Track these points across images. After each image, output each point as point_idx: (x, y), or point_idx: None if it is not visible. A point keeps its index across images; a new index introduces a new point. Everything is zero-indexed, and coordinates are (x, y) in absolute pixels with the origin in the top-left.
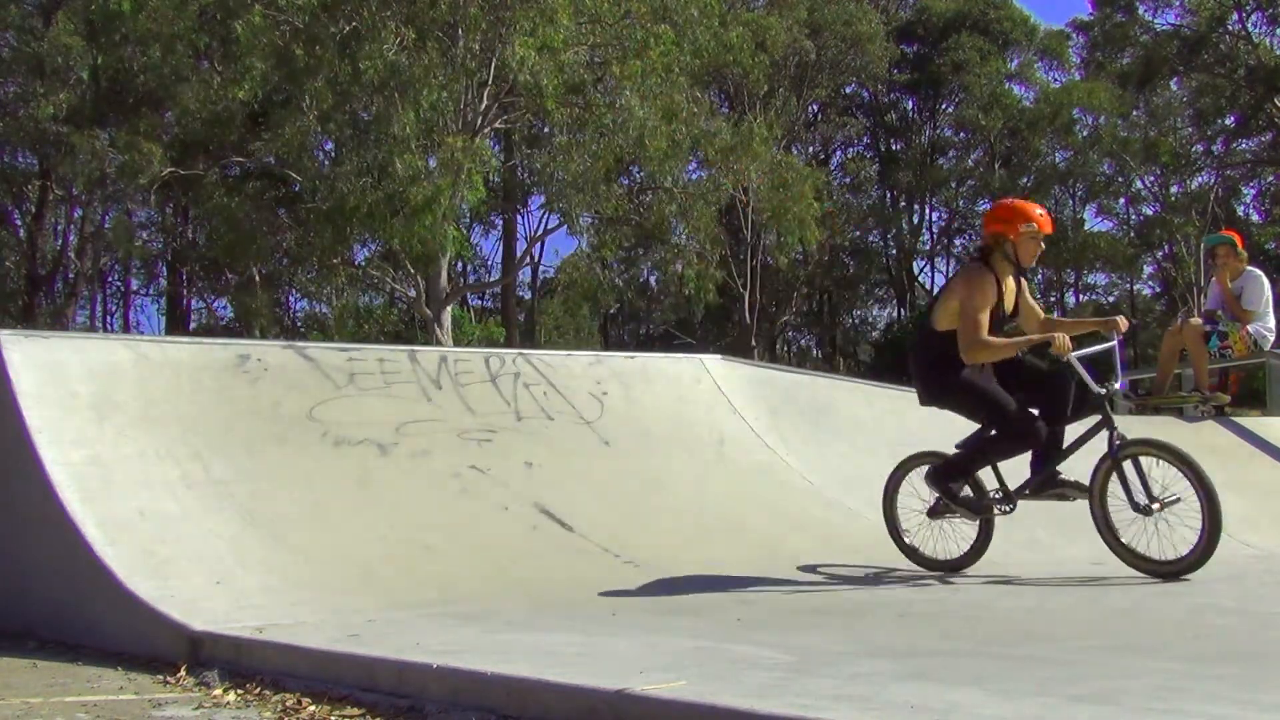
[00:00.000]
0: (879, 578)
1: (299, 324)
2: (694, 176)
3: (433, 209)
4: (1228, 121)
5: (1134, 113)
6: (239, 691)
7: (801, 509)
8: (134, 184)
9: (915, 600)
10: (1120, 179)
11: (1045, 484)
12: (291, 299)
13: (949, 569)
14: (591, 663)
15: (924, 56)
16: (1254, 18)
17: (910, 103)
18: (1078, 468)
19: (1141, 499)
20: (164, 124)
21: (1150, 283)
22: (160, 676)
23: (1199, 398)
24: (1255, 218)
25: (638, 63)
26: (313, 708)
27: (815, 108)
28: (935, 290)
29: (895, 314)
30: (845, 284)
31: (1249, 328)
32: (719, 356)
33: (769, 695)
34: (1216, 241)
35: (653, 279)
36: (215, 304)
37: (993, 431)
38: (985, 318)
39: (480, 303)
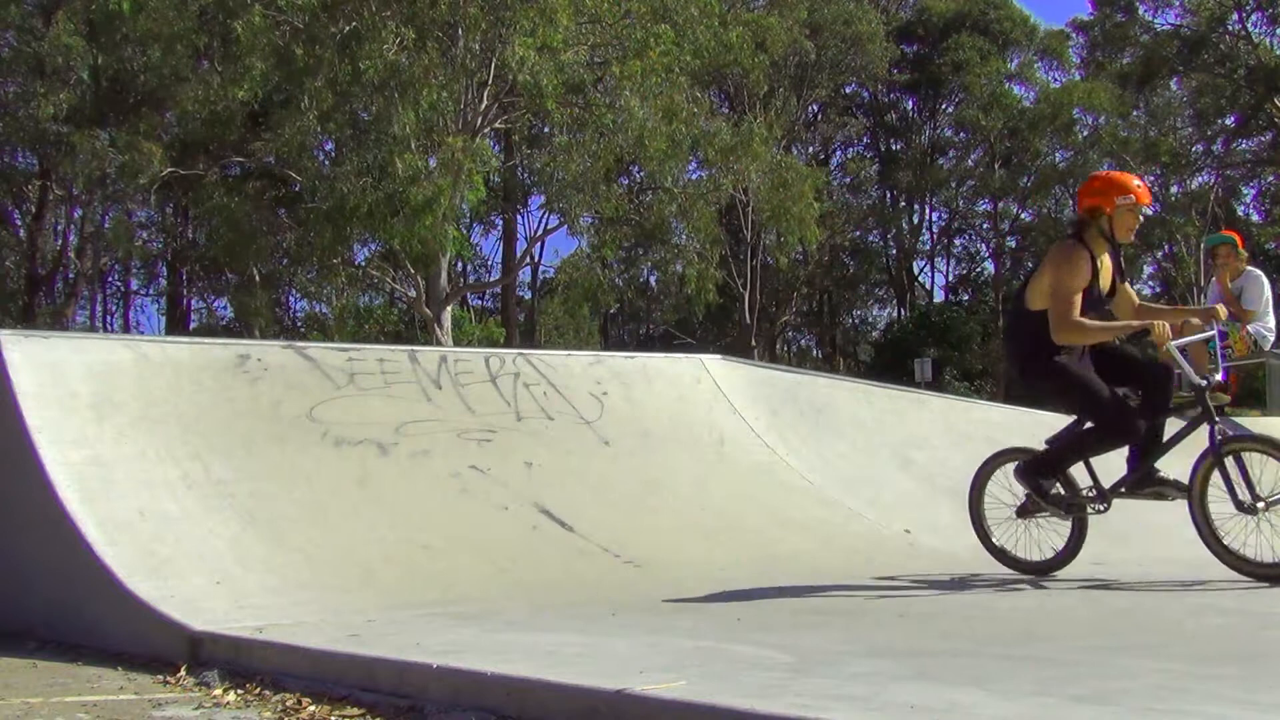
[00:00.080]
0: (879, 578)
1: (299, 324)
2: (694, 176)
3: (433, 209)
4: (1228, 121)
5: (1134, 113)
6: (239, 691)
7: (801, 509)
8: (134, 184)
9: (915, 600)
10: None
11: (1142, 481)
12: (291, 299)
13: (1040, 571)
14: (591, 663)
15: (924, 56)
16: (1254, 18)
17: (910, 103)
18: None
19: (1245, 497)
20: (164, 124)
21: (1150, 283)
22: (160, 676)
23: None
24: (1255, 218)
25: (638, 63)
26: (313, 708)
27: (815, 108)
28: (935, 290)
29: (895, 314)
30: (845, 284)
31: (1249, 328)
32: (719, 356)
33: (769, 695)
34: (1217, 242)
35: (653, 279)
36: (215, 304)
37: (1087, 423)
38: (1078, 297)
39: (480, 303)
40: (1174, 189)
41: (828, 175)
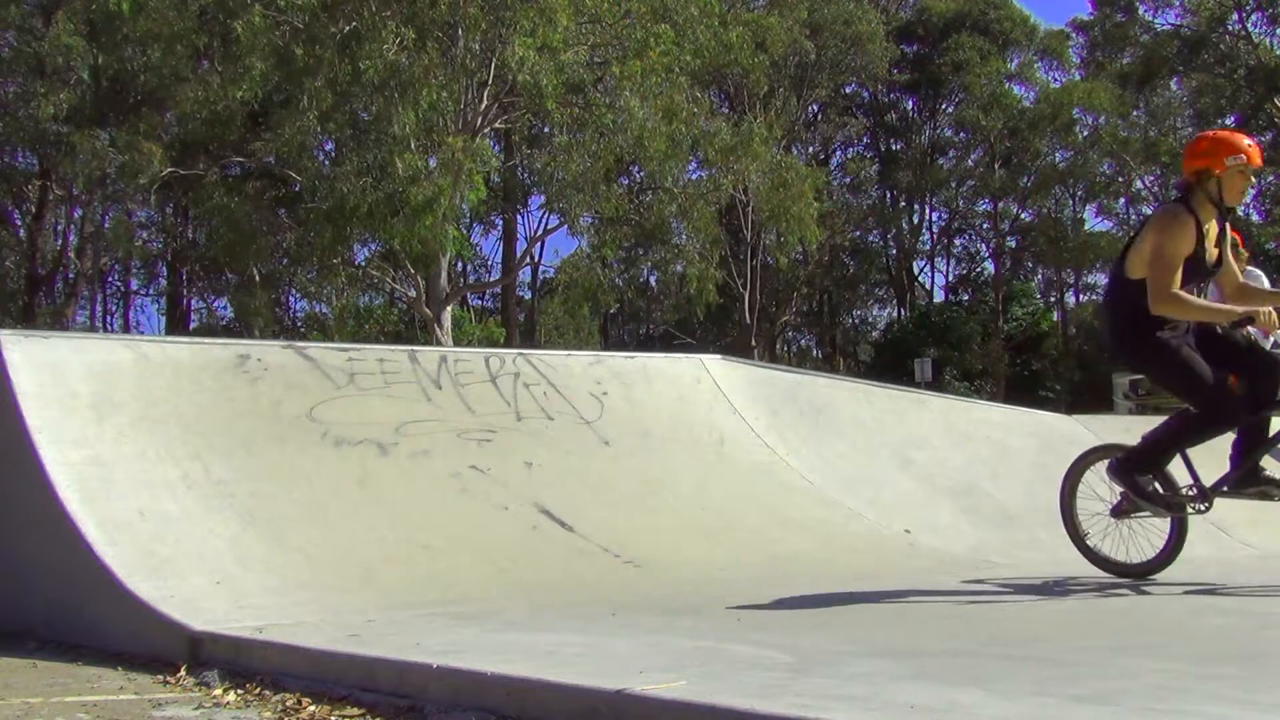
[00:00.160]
0: (880, 578)
1: (299, 324)
2: (694, 176)
3: (433, 209)
4: (1228, 121)
5: (1134, 113)
6: (239, 691)
7: (801, 509)
8: (134, 184)
9: (915, 600)
10: (1120, 179)
11: (1246, 479)
12: (291, 299)
13: (1139, 574)
14: (591, 663)
15: (924, 56)
16: (1254, 18)
17: (910, 103)
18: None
19: None
20: (164, 124)
21: None
22: (160, 676)
23: None
24: (1255, 218)
25: (638, 63)
26: (313, 708)
27: (815, 108)
28: (935, 290)
29: (895, 314)
30: (845, 284)
31: (1249, 328)
32: (719, 356)
33: (769, 695)
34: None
35: (653, 279)
36: (215, 304)
37: (1187, 410)
38: (1179, 267)
39: (480, 303)
40: (1174, 189)
41: (828, 175)
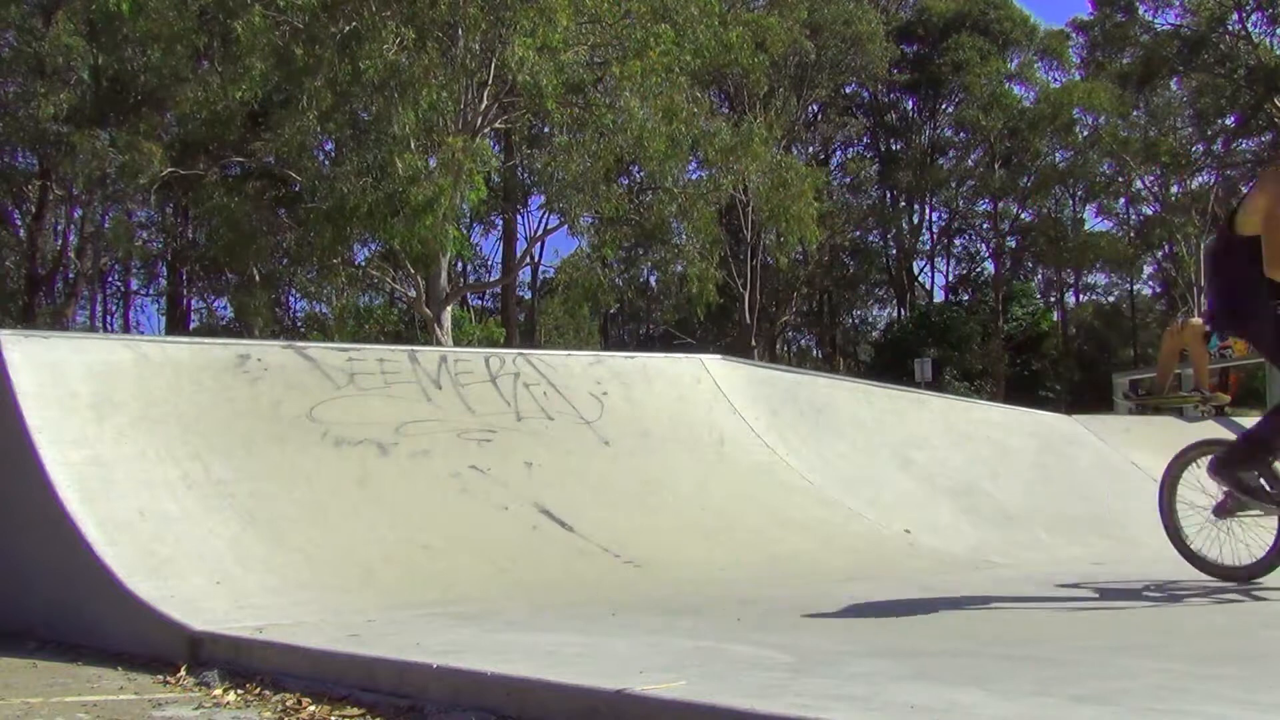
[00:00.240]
0: (879, 578)
1: (299, 324)
2: (694, 176)
3: (433, 209)
4: (1228, 121)
5: (1134, 113)
6: (239, 691)
7: (801, 509)
8: (134, 184)
9: (915, 600)
10: (1120, 179)
11: None
12: (291, 299)
13: (1244, 577)
14: (591, 663)
15: (924, 56)
16: (1254, 18)
17: (910, 103)
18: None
19: None
20: (164, 124)
21: (1150, 283)
22: (160, 676)
23: (1199, 397)
24: None
25: (638, 63)
26: (313, 708)
27: (815, 108)
28: (935, 290)
29: (895, 314)
30: (845, 284)
31: None
32: (719, 356)
33: (769, 695)
34: None
35: (653, 279)
36: (215, 304)
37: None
38: None
39: (480, 303)
40: (1174, 189)
41: (828, 175)
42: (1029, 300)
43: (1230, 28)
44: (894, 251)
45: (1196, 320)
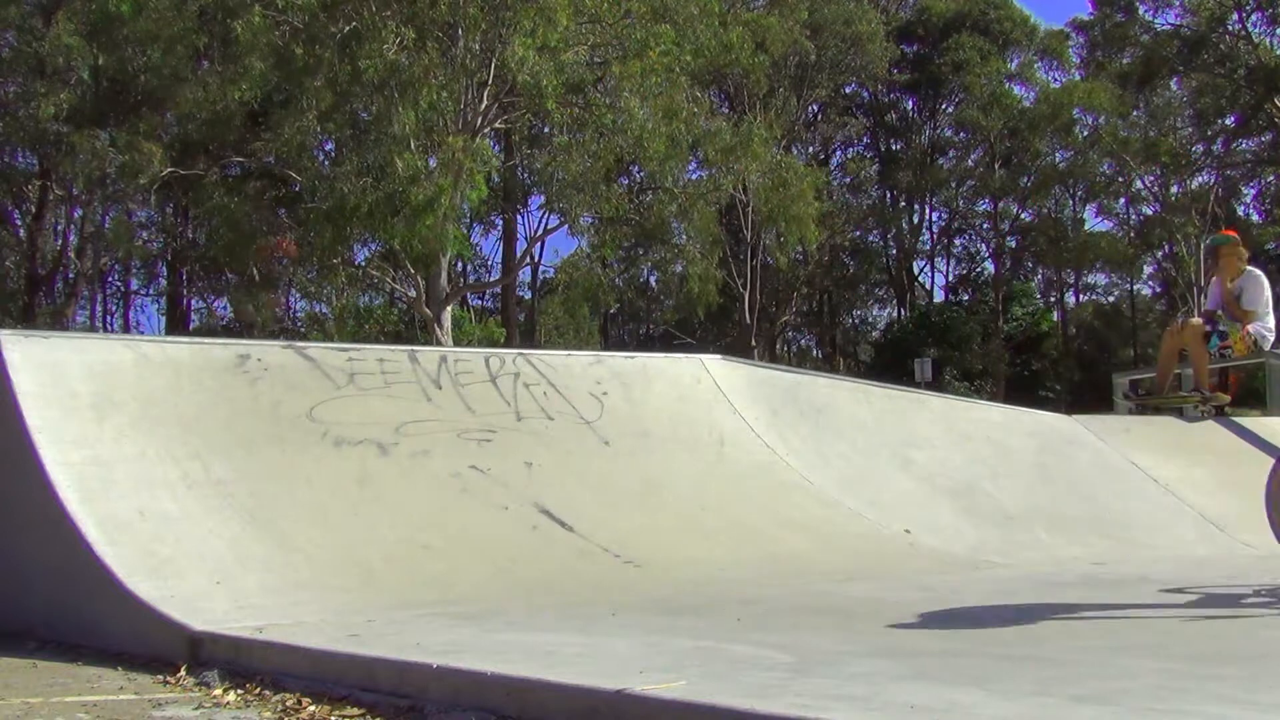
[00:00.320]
0: (879, 578)
1: (299, 324)
2: (694, 176)
3: (433, 209)
4: (1228, 121)
5: (1134, 113)
6: (239, 691)
7: (801, 509)
8: (134, 184)
9: (915, 600)
10: (1120, 179)
11: None
12: (291, 299)
13: None
14: (591, 663)
15: (924, 56)
16: (1254, 18)
17: (910, 103)
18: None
19: None
20: (164, 124)
21: (1150, 283)
22: (160, 676)
23: (1199, 398)
24: (1255, 218)
25: (638, 63)
26: (313, 708)
27: (815, 108)
28: (935, 290)
29: (895, 314)
30: (845, 284)
31: (1249, 328)
32: (719, 356)
33: (769, 695)
34: (1221, 242)
35: (653, 279)
36: (215, 304)
37: None
38: None
39: (480, 303)
40: (1174, 189)
41: (828, 175)
42: (1029, 300)
43: (1230, 28)
44: (894, 251)
45: (1196, 320)
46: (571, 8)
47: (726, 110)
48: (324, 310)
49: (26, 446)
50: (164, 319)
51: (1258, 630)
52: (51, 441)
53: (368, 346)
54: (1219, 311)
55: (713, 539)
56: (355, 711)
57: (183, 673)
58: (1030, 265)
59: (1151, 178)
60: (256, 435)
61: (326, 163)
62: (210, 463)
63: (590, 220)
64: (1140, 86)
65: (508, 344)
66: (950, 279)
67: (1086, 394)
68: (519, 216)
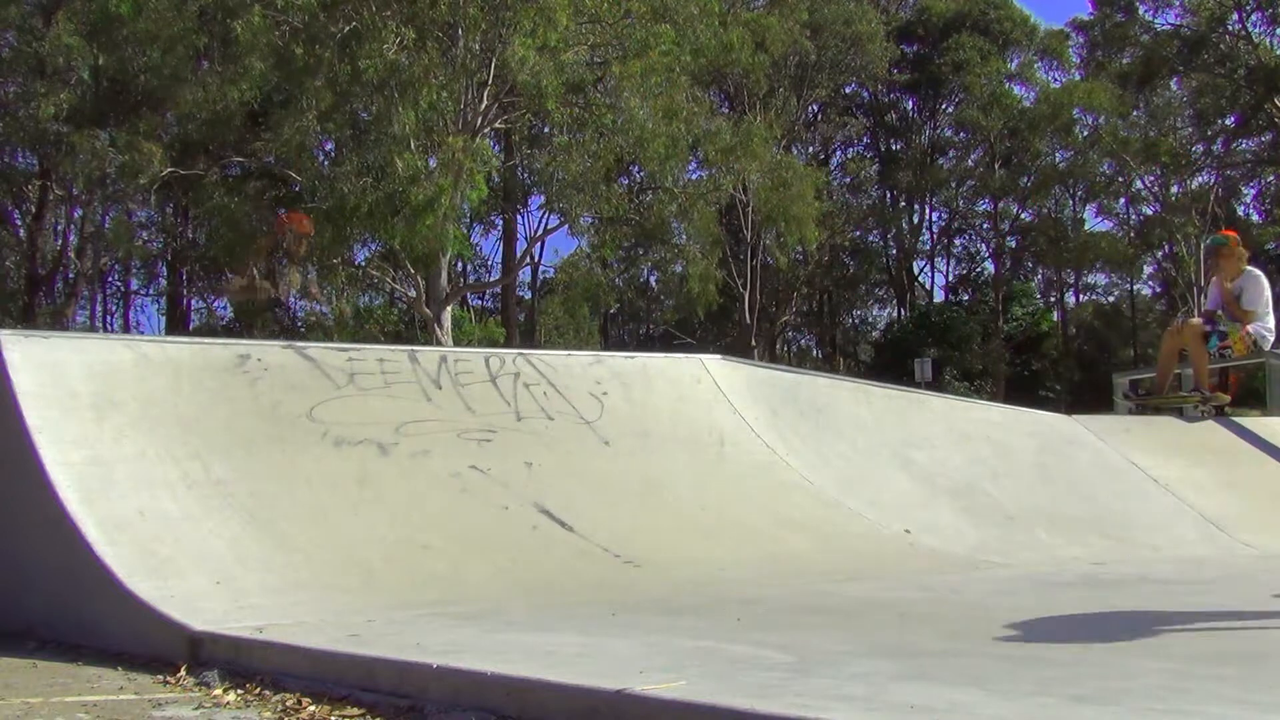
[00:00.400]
0: (879, 578)
1: (299, 324)
2: (694, 176)
3: (433, 209)
4: (1228, 121)
5: (1134, 113)
6: (239, 691)
7: (801, 509)
8: (134, 184)
9: (915, 600)
10: (1120, 179)
11: None
12: (291, 299)
13: None
14: (591, 663)
15: (924, 56)
16: (1254, 18)
17: (910, 103)
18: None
19: None
20: (164, 124)
21: (1150, 283)
22: (160, 676)
23: (1199, 398)
24: (1255, 218)
25: (638, 63)
26: (313, 708)
27: (815, 108)
28: (935, 290)
29: (895, 314)
30: (845, 284)
31: (1249, 328)
32: (719, 356)
33: (769, 695)
34: (1220, 243)
35: (653, 279)
36: (215, 304)
37: None
38: None
39: (480, 303)
40: (1174, 189)
41: (828, 175)
42: (1029, 300)
43: (1230, 28)
44: (894, 251)
45: (1196, 320)
46: (571, 8)
47: (726, 110)
48: (324, 310)
49: (26, 446)
50: (164, 319)
51: (1258, 630)
52: (51, 441)
53: (368, 346)
54: (1219, 311)
55: (713, 539)
56: (355, 711)
57: (183, 673)
58: (1030, 265)
59: (1151, 178)
60: (256, 435)
61: (326, 163)
62: (210, 463)
63: (590, 220)
64: (1140, 86)
65: (508, 344)
66: (950, 279)
67: (1086, 394)
68: (519, 216)
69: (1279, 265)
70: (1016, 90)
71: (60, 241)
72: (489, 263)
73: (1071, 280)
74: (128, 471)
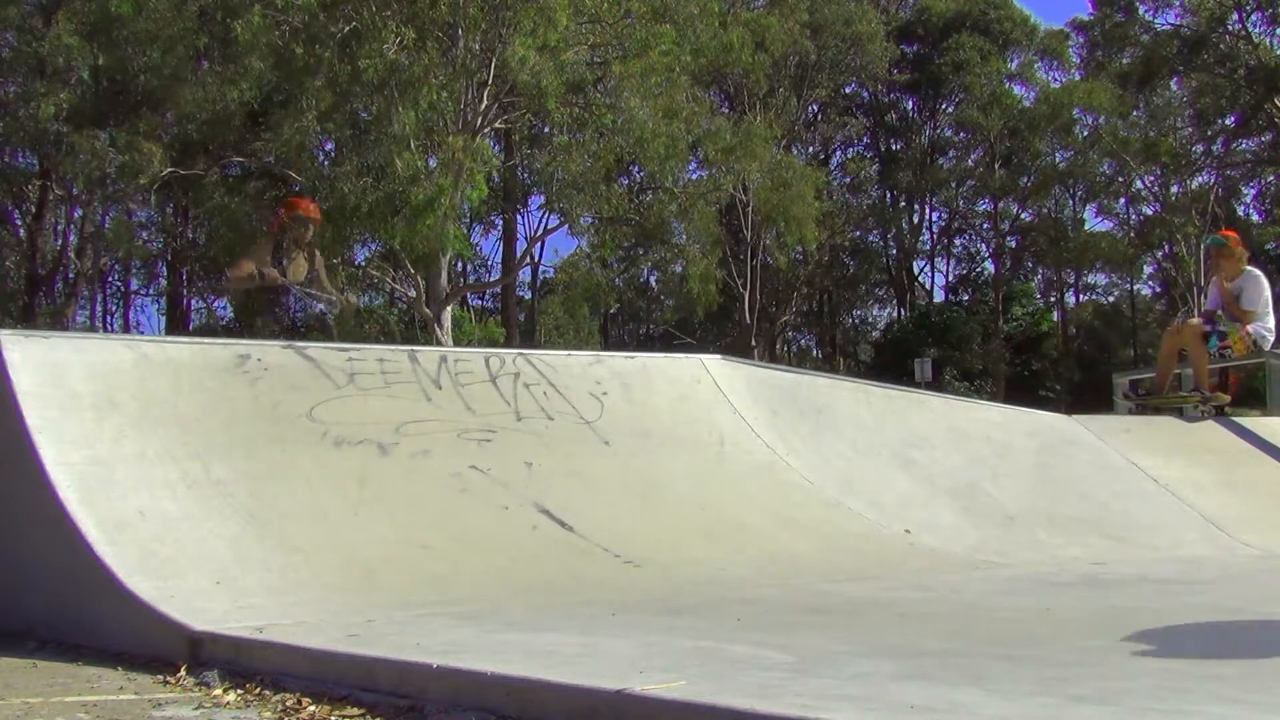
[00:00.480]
0: (879, 578)
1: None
2: (694, 176)
3: (433, 209)
4: (1228, 121)
5: (1134, 113)
6: (239, 691)
7: (801, 509)
8: (134, 184)
9: (915, 600)
10: (1120, 179)
11: None
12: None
13: None
14: (591, 663)
15: (924, 56)
16: (1254, 18)
17: (910, 103)
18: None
19: None
20: (164, 124)
21: (1150, 283)
22: (160, 676)
23: (1199, 398)
24: (1255, 218)
25: (638, 62)
26: (313, 708)
27: (815, 108)
28: (935, 290)
29: (895, 314)
30: (845, 284)
31: (1249, 328)
32: (719, 356)
33: (769, 695)
34: (1219, 243)
35: (653, 279)
36: (215, 304)
37: None
38: None
39: (480, 303)
40: (1174, 189)
41: (828, 175)
42: (1029, 300)
43: (1230, 28)
44: (894, 251)
45: (1196, 320)
46: (571, 8)
47: (727, 110)
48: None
49: (26, 446)
50: (164, 319)
51: (1258, 630)
52: (51, 441)
53: (368, 346)
54: (1219, 311)
55: (712, 539)
56: (355, 711)
57: (183, 673)
58: (1030, 265)
59: (1151, 178)
60: (256, 435)
61: (326, 163)
62: (210, 463)
63: (590, 220)
64: (1140, 86)
65: (508, 344)
66: (950, 279)
67: (1086, 394)
68: (519, 216)
69: (1279, 265)
70: (1016, 90)
71: (60, 241)
72: (489, 263)
73: (1071, 280)
74: (128, 471)
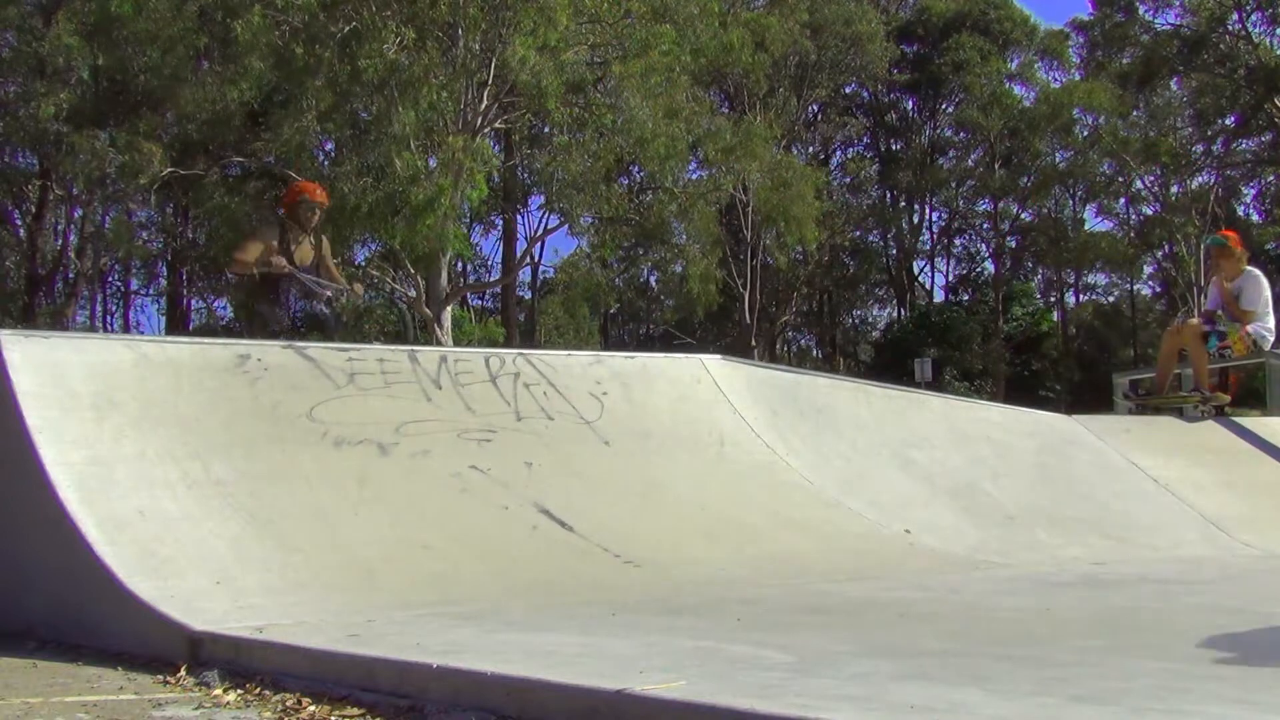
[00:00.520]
0: (880, 578)
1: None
2: (694, 176)
3: (433, 209)
4: (1228, 121)
5: (1134, 113)
6: (239, 691)
7: (801, 509)
8: (134, 184)
9: (915, 600)
10: (1120, 179)
11: None
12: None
13: None
14: (591, 663)
15: (924, 56)
16: (1254, 18)
17: (910, 103)
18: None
19: None
20: (164, 124)
21: (1150, 283)
22: (160, 676)
23: (1199, 398)
24: (1255, 218)
25: (638, 62)
26: (313, 708)
27: (815, 108)
28: (935, 290)
29: (895, 314)
30: (845, 284)
31: (1249, 328)
32: (719, 356)
33: (769, 695)
34: (1219, 243)
35: (653, 279)
36: (215, 304)
37: None
38: None
39: (480, 303)
40: (1174, 189)
41: (828, 175)
42: (1029, 300)
43: (1230, 28)
44: (894, 251)
45: (1195, 320)
46: (571, 8)
47: (726, 110)
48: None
49: (26, 446)
50: (164, 319)
51: (1259, 630)
52: (51, 441)
53: (368, 346)
54: (1219, 311)
55: (712, 539)
56: (355, 711)
57: (183, 673)
58: (1030, 265)
59: (1151, 178)
60: (256, 435)
61: (326, 163)
62: (210, 463)
63: (590, 220)
64: (1140, 86)
65: (508, 344)
66: (950, 279)
67: (1086, 394)
68: (519, 216)
69: (1279, 265)
70: (1016, 90)
71: (60, 241)
72: (489, 263)
73: (1071, 280)
74: (128, 471)
